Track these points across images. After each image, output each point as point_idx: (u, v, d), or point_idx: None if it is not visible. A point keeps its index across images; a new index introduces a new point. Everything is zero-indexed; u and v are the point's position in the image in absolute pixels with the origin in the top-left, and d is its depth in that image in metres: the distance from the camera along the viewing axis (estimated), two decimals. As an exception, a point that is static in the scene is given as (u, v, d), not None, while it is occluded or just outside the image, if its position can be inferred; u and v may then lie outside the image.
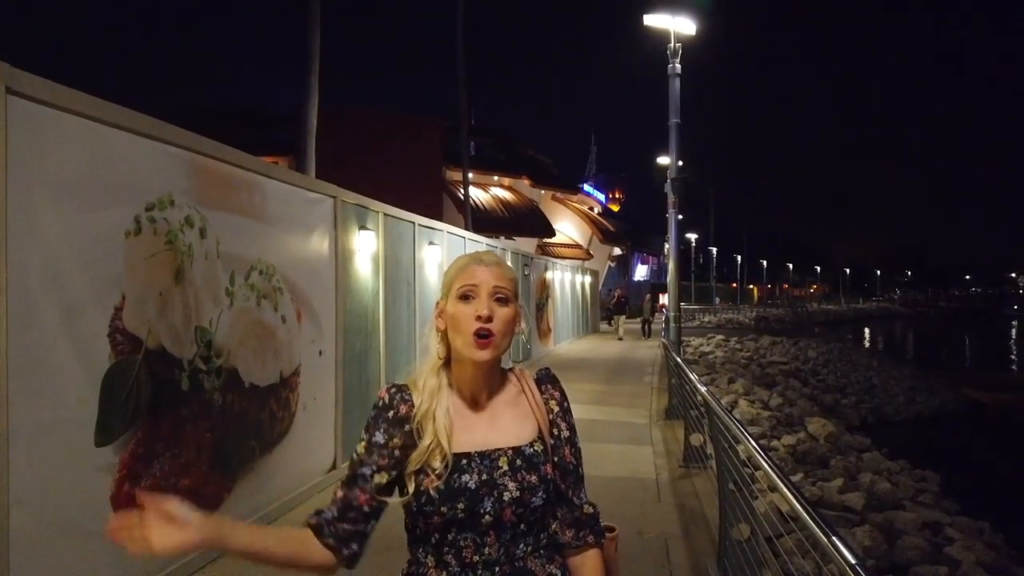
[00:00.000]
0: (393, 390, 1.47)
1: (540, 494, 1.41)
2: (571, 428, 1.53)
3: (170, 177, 3.88)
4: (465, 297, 1.42)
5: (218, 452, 4.26)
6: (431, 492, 1.37)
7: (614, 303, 25.85)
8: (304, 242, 5.52)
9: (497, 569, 1.39)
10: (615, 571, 1.58)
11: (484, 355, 1.40)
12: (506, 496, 1.38)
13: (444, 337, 1.47)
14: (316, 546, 1.38)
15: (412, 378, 1.49)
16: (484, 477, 1.39)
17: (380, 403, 1.46)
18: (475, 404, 1.47)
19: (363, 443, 1.44)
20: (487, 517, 1.37)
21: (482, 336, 1.40)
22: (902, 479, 9.48)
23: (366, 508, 1.40)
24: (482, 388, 1.47)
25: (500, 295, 1.43)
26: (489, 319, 1.40)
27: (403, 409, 1.44)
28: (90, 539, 3.24)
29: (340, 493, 1.42)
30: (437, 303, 1.49)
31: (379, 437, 1.42)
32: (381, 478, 1.41)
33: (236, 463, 4.48)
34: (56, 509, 3.07)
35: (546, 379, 1.56)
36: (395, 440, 1.42)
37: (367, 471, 1.41)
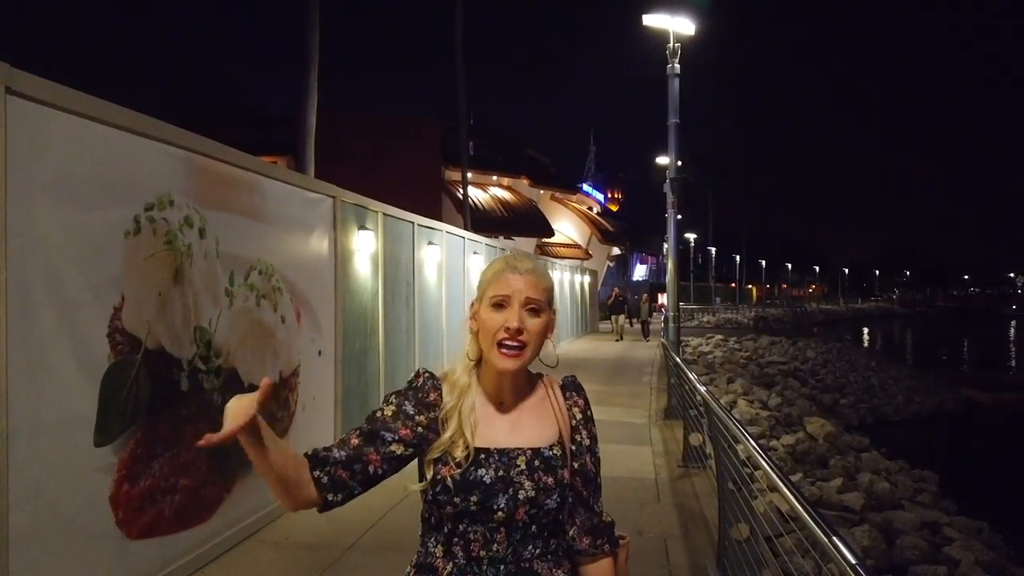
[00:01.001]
0: (427, 376, 1.51)
1: (555, 497, 1.43)
2: (592, 437, 1.54)
3: (169, 177, 3.88)
4: (498, 305, 1.43)
5: (217, 452, 4.26)
6: (448, 482, 1.39)
7: (611, 302, 24.75)
8: (303, 242, 5.52)
9: (503, 567, 1.40)
10: None
11: (509, 365, 1.42)
12: (521, 495, 1.40)
13: (476, 338, 1.49)
14: (304, 474, 1.32)
15: (445, 372, 1.52)
16: (500, 473, 1.41)
17: (415, 383, 1.49)
18: (500, 405, 1.49)
19: (391, 407, 1.44)
20: (500, 514, 1.39)
21: (510, 347, 1.41)
22: (901, 479, 9.49)
23: (371, 469, 1.37)
24: (508, 391, 1.49)
25: (532, 305, 1.43)
26: (519, 331, 1.41)
27: (432, 396, 1.47)
28: (89, 539, 3.24)
29: (355, 442, 1.38)
30: (472, 304, 1.51)
31: (409, 408, 1.44)
32: (397, 448, 1.39)
33: (235, 463, 4.47)
34: (55, 509, 3.06)
35: (571, 386, 1.59)
36: (421, 418, 1.43)
37: (388, 436, 1.39)
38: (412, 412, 1.43)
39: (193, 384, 4.03)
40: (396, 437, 1.40)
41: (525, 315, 1.42)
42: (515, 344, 1.41)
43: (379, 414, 1.43)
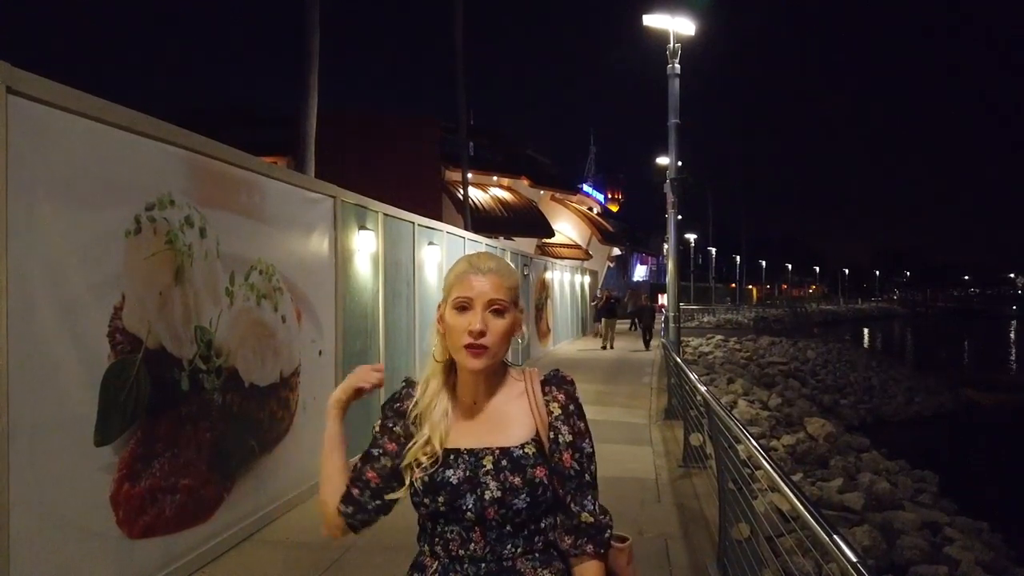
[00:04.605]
0: (405, 385, 1.57)
1: (523, 496, 1.39)
2: (576, 433, 1.47)
3: (170, 177, 3.88)
4: (461, 308, 1.42)
5: (218, 452, 4.26)
6: (418, 484, 1.43)
7: (602, 304, 21.35)
8: (304, 242, 5.52)
9: (483, 565, 1.40)
10: None
11: (477, 364, 1.41)
12: (487, 495, 1.39)
13: (443, 339, 1.48)
14: (344, 489, 1.51)
15: (424, 375, 1.55)
16: (467, 474, 1.41)
17: (394, 394, 1.58)
18: (474, 405, 1.49)
19: (379, 423, 1.54)
20: (469, 514, 1.39)
21: (474, 349, 1.40)
22: (901, 479, 9.49)
23: (373, 484, 1.49)
24: (481, 390, 1.49)
25: (496, 307, 1.42)
26: (482, 334, 1.40)
27: (406, 404, 1.52)
28: (90, 538, 3.24)
29: (358, 463, 1.52)
30: (439, 305, 1.50)
31: (389, 422, 1.53)
32: (387, 461, 1.49)
33: (236, 463, 4.48)
34: (56, 508, 3.07)
35: (552, 381, 1.52)
36: (398, 429, 1.51)
37: (376, 451, 1.51)
38: (391, 425, 1.52)
39: (193, 384, 4.03)
40: (383, 451, 1.50)
41: (489, 317, 1.41)
42: (479, 345, 1.40)
43: (374, 431, 1.54)
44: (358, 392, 1.58)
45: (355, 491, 1.48)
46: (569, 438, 1.45)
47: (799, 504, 2.35)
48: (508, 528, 1.40)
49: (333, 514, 1.49)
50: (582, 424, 1.49)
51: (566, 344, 20.79)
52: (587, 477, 1.46)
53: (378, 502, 1.48)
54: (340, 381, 5.82)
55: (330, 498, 1.50)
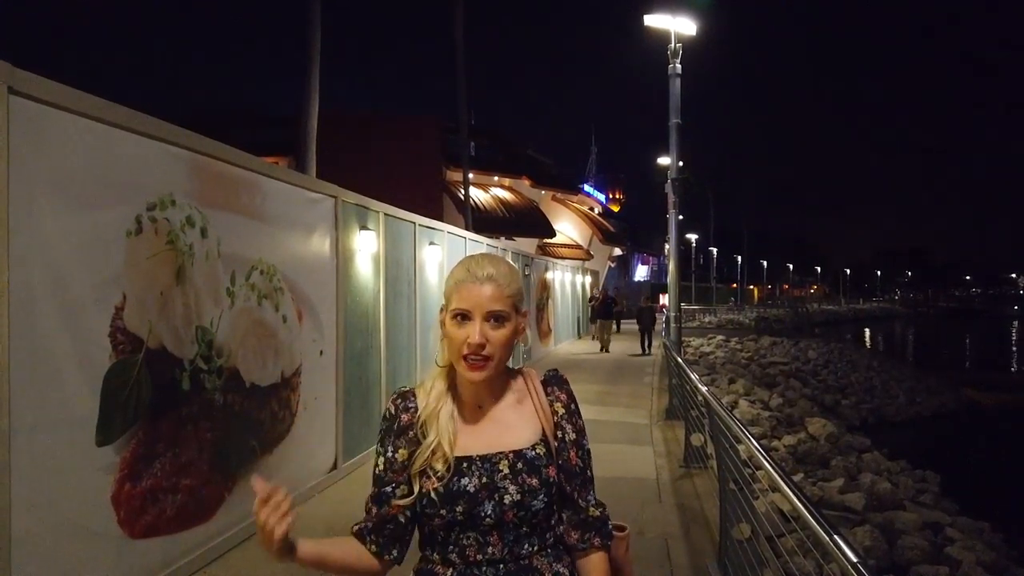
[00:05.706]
0: (398, 400, 1.51)
1: (541, 497, 1.41)
2: (578, 430, 1.50)
3: (171, 177, 3.89)
4: (460, 317, 1.40)
5: (219, 452, 4.26)
6: (432, 495, 1.39)
7: (598, 304, 20.52)
8: (305, 242, 5.52)
9: (502, 567, 1.40)
10: (627, 571, 1.57)
11: (477, 376, 1.40)
12: (507, 499, 1.39)
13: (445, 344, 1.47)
14: (362, 550, 1.45)
15: (422, 381, 1.52)
16: (484, 480, 1.40)
17: (387, 415, 1.51)
18: (478, 408, 1.48)
19: (380, 458, 1.48)
20: (488, 520, 1.38)
21: (474, 360, 1.39)
22: (902, 479, 9.48)
23: (401, 519, 1.45)
24: (484, 394, 1.48)
25: (496, 316, 1.40)
26: (481, 346, 1.38)
27: (405, 418, 1.47)
28: (91, 538, 3.25)
29: (373, 510, 1.46)
30: (441, 309, 1.48)
31: (390, 453, 1.47)
32: (403, 491, 1.45)
33: (237, 463, 4.48)
34: (57, 508, 3.07)
35: (553, 380, 1.54)
36: (402, 451, 1.46)
37: (389, 488, 1.45)
38: (392, 454, 1.46)
39: (194, 384, 4.04)
40: (395, 484, 1.45)
41: (488, 328, 1.39)
42: (479, 357, 1.38)
43: (376, 471, 1.48)
44: (287, 531, 1.30)
45: (387, 532, 1.45)
46: (573, 436, 1.49)
47: (800, 504, 2.34)
48: (525, 529, 1.41)
49: (377, 568, 1.46)
50: (581, 422, 1.53)
51: (567, 344, 20.79)
52: (589, 473, 1.51)
53: (410, 528, 1.47)
54: (341, 381, 5.79)
55: (368, 565, 1.45)
